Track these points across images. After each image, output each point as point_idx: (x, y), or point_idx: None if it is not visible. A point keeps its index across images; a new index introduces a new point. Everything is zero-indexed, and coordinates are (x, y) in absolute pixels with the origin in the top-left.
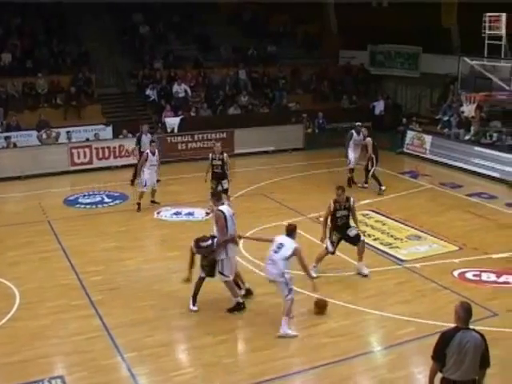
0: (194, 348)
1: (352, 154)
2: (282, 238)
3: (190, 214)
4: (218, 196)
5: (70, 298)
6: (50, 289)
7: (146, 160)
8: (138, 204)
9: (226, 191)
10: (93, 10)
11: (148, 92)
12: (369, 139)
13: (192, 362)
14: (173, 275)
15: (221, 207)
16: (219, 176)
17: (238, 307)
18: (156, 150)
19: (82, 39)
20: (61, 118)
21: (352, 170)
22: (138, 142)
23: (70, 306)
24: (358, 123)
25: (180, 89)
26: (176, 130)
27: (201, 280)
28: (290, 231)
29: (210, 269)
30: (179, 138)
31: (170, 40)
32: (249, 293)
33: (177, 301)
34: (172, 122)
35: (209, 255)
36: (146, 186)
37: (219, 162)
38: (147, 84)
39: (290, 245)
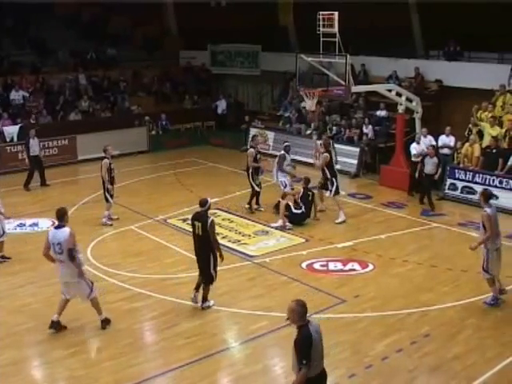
0: (45, 363)
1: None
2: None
3: (34, 224)
4: None
5: None
6: None
7: None
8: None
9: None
10: None
11: None
12: (325, 155)
13: (44, 379)
14: (18, 290)
15: None
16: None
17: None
18: None
19: None
20: None
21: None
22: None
23: None
24: (286, 143)
25: (17, 96)
26: (15, 139)
27: None
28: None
29: None
30: (19, 147)
31: (4, 45)
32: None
33: (27, 315)
34: (11, 130)
35: None
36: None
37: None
38: None
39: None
